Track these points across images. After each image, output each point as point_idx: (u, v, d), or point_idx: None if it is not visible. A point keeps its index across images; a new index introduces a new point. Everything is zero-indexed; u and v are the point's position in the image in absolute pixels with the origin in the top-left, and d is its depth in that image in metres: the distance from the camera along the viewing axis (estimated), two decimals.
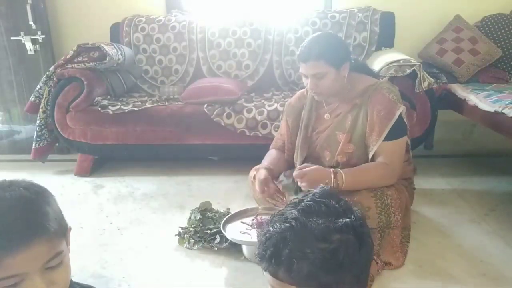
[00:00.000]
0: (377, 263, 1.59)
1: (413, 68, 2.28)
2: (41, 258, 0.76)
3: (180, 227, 1.89)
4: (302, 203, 0.79)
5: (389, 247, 1.67)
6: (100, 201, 2.36)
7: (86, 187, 2.57)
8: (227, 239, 1.76)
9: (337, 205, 0.79)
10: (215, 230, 1.82)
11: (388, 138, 1.70)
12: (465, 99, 2.46)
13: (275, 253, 0.74)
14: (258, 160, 2.07)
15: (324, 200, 0.79)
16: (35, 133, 2.74)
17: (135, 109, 2.58)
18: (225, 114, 2.52)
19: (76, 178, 2.71)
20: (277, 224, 0.77)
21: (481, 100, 2.30)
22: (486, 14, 2.97)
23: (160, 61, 3.07)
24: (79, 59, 2.68)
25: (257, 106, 2.53)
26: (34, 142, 2.74)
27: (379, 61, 2.51)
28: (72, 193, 2.49)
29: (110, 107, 2.58)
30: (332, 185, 1.61)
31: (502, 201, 2.18)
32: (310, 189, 1.58)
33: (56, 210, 0.82)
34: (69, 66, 2.65)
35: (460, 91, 2.57)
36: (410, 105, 2.36)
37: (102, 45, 2.69)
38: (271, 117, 2.47)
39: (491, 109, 2.15)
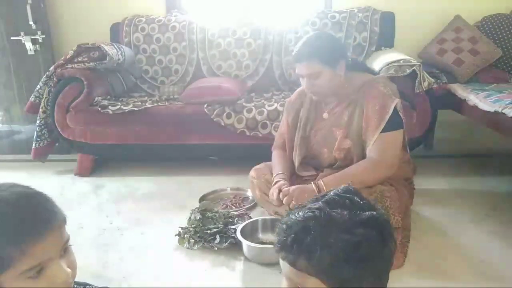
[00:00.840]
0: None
1: (413, 68, 2.28)
2: (58, 243, 0.81)
3: (180, 227, 1.89)
4: (326, 196, 0.78)
5: None
6: (100, 201, 2.35)
7: (86, 187, 2.57)
8: (227, 239, 1.76)
9: (361, 202, 0.78)
10: (215, 230, 1.82)
11: (382, 130, 1.70)
12: (465, 99, 2.46)
13: (296, 240, 0.73)
14: (258, 160, 2.07)
15: (348, 195, 0.78)
16: (35, 133, 2.74)
17: (135, 109, 2.58)
18: (225, 114, 2.52)
19: (76, 178, 2.71)
20: (300, 213, 0.75)
21: (481, 100, 2.30)
22: (486, 14, 2.97)
23: (160, 61, 3.07)
24: (79, 59, 2.67)
25: (257, 106, 2.53)
26: (34, 142, 2.74)
27: (379, 61, 2.51)
28: (72, 193, 2.49)
29: (110, 107, 2.58)
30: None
31: (502, 201, 2.18)
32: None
33: (55, 203, 0.88)
34: (69, 66, 2.65)
35: (460, 91, 2.57)
36: (410, 105, 2.37)
37: (102, 45, 2.69)
38: (271, 117, 2.47)
39: (491, 109, 2.15)
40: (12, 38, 3.04)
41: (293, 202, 1.63)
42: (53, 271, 0.79)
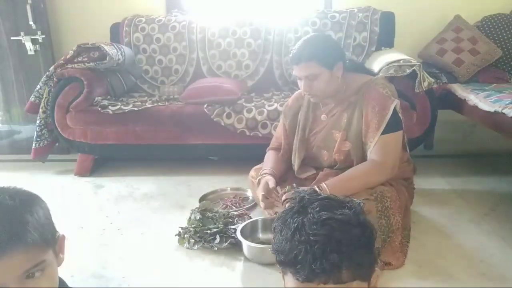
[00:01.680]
0: (377, 263, 1.59)
1: (413, 68, 2.28)
2: (17, 269, 0.73)
3: (180, 227, 1.89)
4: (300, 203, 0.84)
5: (389, 248, 1.67)
6: (100, 201, 2.36)
7: (86, 187, 2.57)
8: (227, 239, 1.76)
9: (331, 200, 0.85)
10: (215, 230, 1.82)
11: (383, 132, 1.70)
12: (465, 99, 2.46)
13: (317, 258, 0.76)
14: (258, 160, 2.07)
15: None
16: (35, 133, 2.74)
17: (135, 109, 2.58)
18: (225, 114, 2.52)
19: (76, 178, 2.71)
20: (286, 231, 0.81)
21: (481, 100, 2.30)
22: (486, 14, 2.97)
23: (160, 61, 3.07)
24: (79, 59, 2.67)
25: (257, 106, 2.53)
26: (34, 142, 2.74)
27: (379, 61, 2.51)
28: (72, 193, 2.49)
29: (110, 107, 2.58)
30: None
31: (502, 201, 2.18)
32: None
33: (41, 220, 0.79)
34: (69, 66, 2.65)
35: (460, 91, 2.57)
36: (410, 105, 2.37)
37: (102, 45, 2.69)
38: (271, 117, 2.47)
39: (491, 109, 2.15)
40: (12, 38, 3.04)
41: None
42: None
